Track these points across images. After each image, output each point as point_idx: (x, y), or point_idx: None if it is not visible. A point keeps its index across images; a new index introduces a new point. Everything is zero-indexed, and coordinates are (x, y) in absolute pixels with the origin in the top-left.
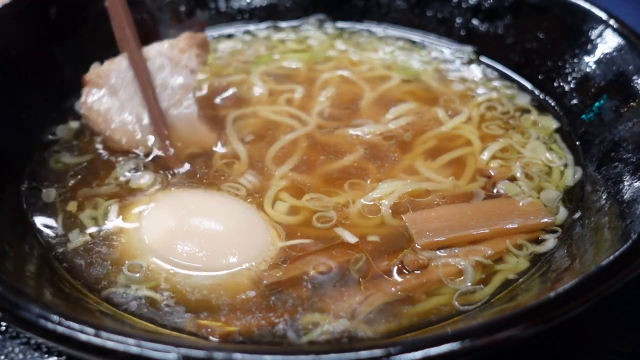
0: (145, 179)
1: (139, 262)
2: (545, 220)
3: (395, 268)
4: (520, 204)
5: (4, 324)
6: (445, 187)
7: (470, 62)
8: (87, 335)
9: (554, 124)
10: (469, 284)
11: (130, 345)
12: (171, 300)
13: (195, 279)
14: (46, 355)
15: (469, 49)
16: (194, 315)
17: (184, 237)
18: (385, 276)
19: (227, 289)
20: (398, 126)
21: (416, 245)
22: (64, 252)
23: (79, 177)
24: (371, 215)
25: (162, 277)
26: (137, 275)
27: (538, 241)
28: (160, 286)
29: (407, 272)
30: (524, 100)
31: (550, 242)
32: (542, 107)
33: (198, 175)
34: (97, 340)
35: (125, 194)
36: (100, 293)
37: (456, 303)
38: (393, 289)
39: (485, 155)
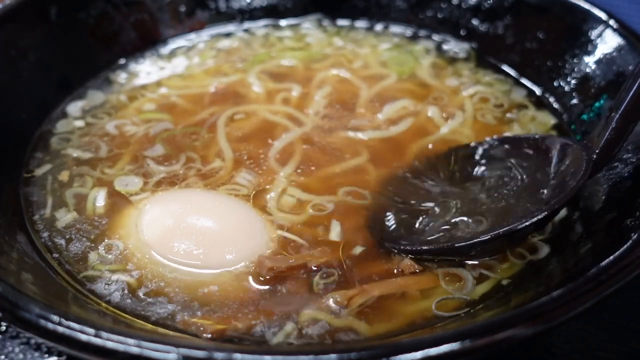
0: (134, 184)
1: (138, 257)
2: None
3: (393, 272)
4: None
5: (4, 324)
6: None
7: (469, 61)
8: (87, 335)
9: (551, 120)
10: (468, 285)
11: (130, 345)
12: (162, 298)
13: (187, 276)
14: (46, 355)
15: (468, 48)
16: (185, 313)
17: (177, 234)
18: (382, 275)
19: (218, 284)
20: (396, 128)
21: None
22: (54, 239)
23: (75, 168)
24: (369, 215)
25: (155, 273)
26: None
27: (537, 242)
28: (152, 284)
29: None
30: (522, 99)
31: (552, 244)
32: (540, 105)
33: (187, 175)
34: (97, 341)
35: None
36: (92, 292)
37: (451, 305)
38: (389, 286)
39: None
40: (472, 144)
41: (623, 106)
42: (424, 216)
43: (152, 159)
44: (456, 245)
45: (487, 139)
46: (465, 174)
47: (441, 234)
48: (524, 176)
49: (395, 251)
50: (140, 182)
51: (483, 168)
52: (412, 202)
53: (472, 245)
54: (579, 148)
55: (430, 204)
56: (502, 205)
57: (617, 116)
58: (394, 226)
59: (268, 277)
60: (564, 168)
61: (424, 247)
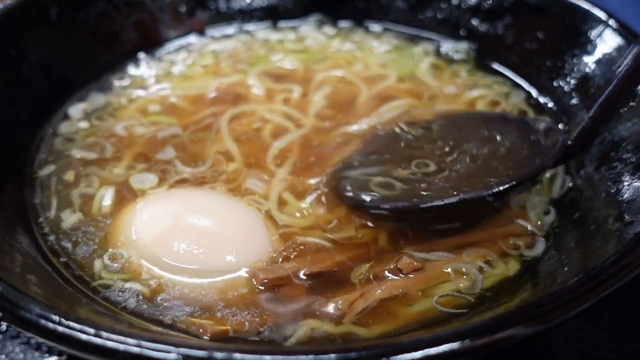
0: (149, 181)
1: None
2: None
3: (391, 270)
4: None
5: (4, 323)
6: None
7: (469, 61)
8: (87, 335)
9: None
10: (476, 283)
11: (130, 345)
12: (161, 297)
13: (187, 279)
14: (46, 355)
15: (467, 48)
16: (184, 313)
17: (175, 237)
18: (381, 277)
19: (219, 288)
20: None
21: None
22: (60, 240)
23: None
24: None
25: (151, 274)
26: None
27: (535, 243)
28: (150, 283)
29: (402, 275)
30: (521, 100)
31: (549, 242)
32: (539, 106)
33: (197, 178)
34: (97, 340)
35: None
36: (97, 293)
37: (451, 303)
38: (390, 288)
39: None
40: (454, 114)
41: (602, 98)
42: (391, 179)
43: (163, 161)
44: (418, 205)
45: (474, 111)
46: (441, 142)
47: (404, 196)
48: (500, 150)
49: (355, 206)
50: (156, 179)
51: (461, 137)
52: (382, 165)
53: (424, 210)
54: (557, 132)
55: (400, 168)
56: (470, 174)
57: (595, 107)
58: (359, 188)
59: (263, 287)
60: (539, 148)
61: (383, 205)
